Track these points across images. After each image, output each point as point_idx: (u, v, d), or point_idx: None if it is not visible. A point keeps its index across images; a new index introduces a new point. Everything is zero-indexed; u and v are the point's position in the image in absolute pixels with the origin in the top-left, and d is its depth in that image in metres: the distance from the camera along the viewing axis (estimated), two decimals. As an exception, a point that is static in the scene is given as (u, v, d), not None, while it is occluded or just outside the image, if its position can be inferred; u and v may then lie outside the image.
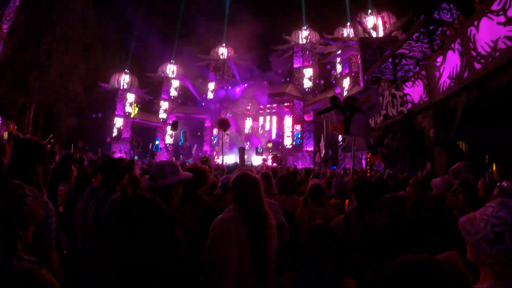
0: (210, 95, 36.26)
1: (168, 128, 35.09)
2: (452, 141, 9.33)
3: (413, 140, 12.50)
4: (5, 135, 12.33)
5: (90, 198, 2.93)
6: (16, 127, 13.58)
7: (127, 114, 33.05)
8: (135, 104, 22.27)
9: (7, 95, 23.73)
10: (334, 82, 29.55)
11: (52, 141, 16.04)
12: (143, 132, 33.76)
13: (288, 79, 33.61)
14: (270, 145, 30.16)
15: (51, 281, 1.49)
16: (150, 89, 36.18)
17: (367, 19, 24.73)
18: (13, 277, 1.36)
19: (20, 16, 17.80)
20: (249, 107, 34.26)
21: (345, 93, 25.23)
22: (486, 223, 1.29)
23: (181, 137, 30.17)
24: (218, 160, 29.22)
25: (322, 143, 24.30)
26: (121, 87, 33.67)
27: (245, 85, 34.57)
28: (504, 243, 1.23)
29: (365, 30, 21.69)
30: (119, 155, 25.92)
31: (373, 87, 6.65)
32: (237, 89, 34.40)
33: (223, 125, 12.67)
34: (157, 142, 32.18)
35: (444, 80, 8.93)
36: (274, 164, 22.32)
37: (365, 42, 17.77)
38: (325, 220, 3.33)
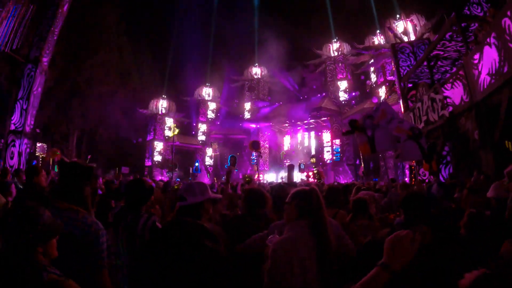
0: (247, 115, 36.58)
1: (208, 150, 35.72)
2: (498, 141, 8.69)
3: (457, 145, 11.83)
4: (51, 161, 12.98)
5: (118, 224, 2.91)
6: (60, 153, 14.31)
7: (166, 138, 33.98)
8: (175, 125, 22.86)
9: (51, 122, 25.21)
10: (369, 92, 28.89)
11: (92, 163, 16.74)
12: (183, 155, 34.55)
13: (323, 93, 33.28)
14: (313, 160, 29.80)
15: None
16: (188, 112, 37.20)
17: (396, 24, 24.12)
18: None
19: (59, 47, 18.89)
20: (286, 124, 34.19)
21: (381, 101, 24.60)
22: None
23: (229, 161, 30.50)
24: (262, 178, 29.29)
25: (362, 156, 23.69)
26: (160, 112, 34.74)
27: (281, 102, 34.64)
28: None
29: (395, 35, 21.14)
30: (160, 177, 26.52)
31: (385, 102, 6.65)
32: (273, 107, 34.54)
33: (255, 146, 12.87)
34: (197, 164, 32.69)
35: (484, 77, 8.40)
36: (314, 180, 21.90)
37: (397, 48, 17.27)
38: (373, 234, 3.17)
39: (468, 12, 9.94)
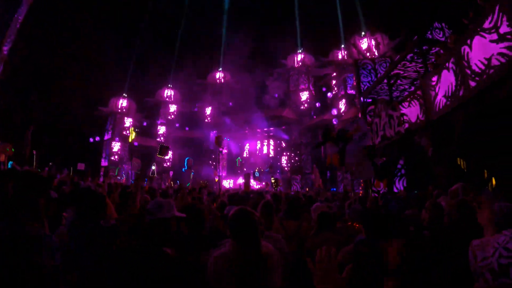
0: (208, 119, 36.36)
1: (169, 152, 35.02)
2: (450, 159, 9.31)
3: (412, 160, 12.49)
4: (2, 157, 12.22)
5: (75, 232, 2.89)
6: (11, 148, 13.51)
7: (124, 138, 32.99)
8: (133, 128, 22.27)
9: (5, 113, 23.82)
10: (329, 104, 29.70)
11: (50, 164, 15.93)
12: (141, 157, 33.61)
13: (284, 102, 33.82)
14: (270, 167, 30.09)
15: None
16: (148, 113, 36.31)
17: (361, 41, 25.18)
18: None
19: (22, 38, 17.97)
20: (246, 131, 34.31)
21: (342, 114, 25.39)
22: (495, 251, 1.25)
23: (185, 164, 30.06)
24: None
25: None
26: (119, 111, 33.69)
27: (242, 109, 34.75)
28: (508, 277, 1.18)
29: (359, 51, 22.02)
30: (120, 178, 25.72)
31: (361, 118, 6.95)
32: (234, 113, 34.58)
33: (218, 141, 12.88)
34: (153, 168, 31.99)
35: (440, 98, 9.00)
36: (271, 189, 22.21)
37: (360, 64, 17.97)
38: (338, 247, 3.21)
39: (430, 36, 10.60)
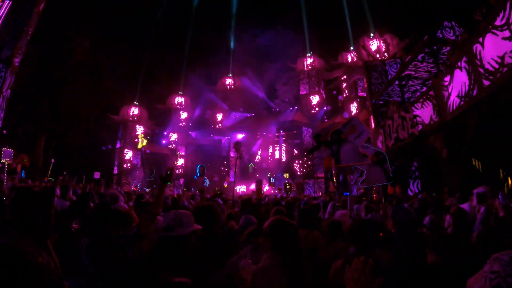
0: (219, 126, 36.44)
1: (180, 159, 35.19)
2: (465, 160, 9.11)
3: (426, 162, 12.28)
4: (18, 168, 12.42)
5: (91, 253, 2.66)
6: (28, 159, 13.71)
7: (136, 146, 33.18)
8: (142, 135, 22.40)
9: (18, 124, 24.17)
10: (341, 107, 29.50)
11: (64, 173, 16.11)
12: (154, 164, 33.81)
13: (295, 106, 33.72)
14: (286, 175, 29.98)
15: None
16: (159, 120, 36.48)
17: (370, 42, 25.00)
18: None
19: (32, 47, 18.21)
20: (258, 136, 34.31)
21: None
22: (485, 278, 1.40)
23: (198, 171, 30.05)
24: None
25: (334, 170, 24.07)
26: (130, 119, 33.94)
27: (253, 114, 34.77)
28: None
29: (369, 53, 21.83)
30: (132, 188, 25.89)
31: (356, 118, 6.84)
32: (245, 118, 34.62)
33: (237, 147, 12.88)
34: (167, 173, 32.03)
35: (454, 99, 8.82)
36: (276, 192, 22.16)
37: (370, 66, 17.86)
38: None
39: (441, 36, 10.43)
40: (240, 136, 33.46)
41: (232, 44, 38.68)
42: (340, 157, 6.03)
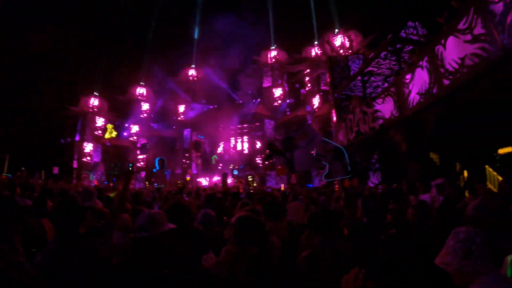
0: (181, 117, 35.90)
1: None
2: (424, 153, 9.63)
3: (386, 155, 12.83)
4: None
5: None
6: None
7: (96, 138, 31.99)
8: (112, 126, 21.49)
9: None
10: (303, 100, 29.97)
11: (22, 168, 15.32)
12: (115, 157, 32.81)
13: (258, 98, 33.86)
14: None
15: None
16: (120, 111, 35.27)
17: (334, 38, 25.55)
18: None
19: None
20: (220, 128, 34.18)
21: (316, 111, 25.67)
22: (454, 249, 1.64)
23: (156, 164, 29.50)
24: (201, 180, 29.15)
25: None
26: (90, 110, 32.56)
27: (215, 105, 34.59)
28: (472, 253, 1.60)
29: (333, 49, 22.34)
30: (93, 183, 24.98)
31: (307, 124, 7.11)
32: (207, 110, 34.39)
33: (196, 147, 12.76)
34: (130, 168, 31.23)
35: (414, 96, 9.28)
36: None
37: (333, 61, 18.24)
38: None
39: (404, 35, 10.89)
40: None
41: (196, 34, 38.12)
42: (294, 164, 6.20)
